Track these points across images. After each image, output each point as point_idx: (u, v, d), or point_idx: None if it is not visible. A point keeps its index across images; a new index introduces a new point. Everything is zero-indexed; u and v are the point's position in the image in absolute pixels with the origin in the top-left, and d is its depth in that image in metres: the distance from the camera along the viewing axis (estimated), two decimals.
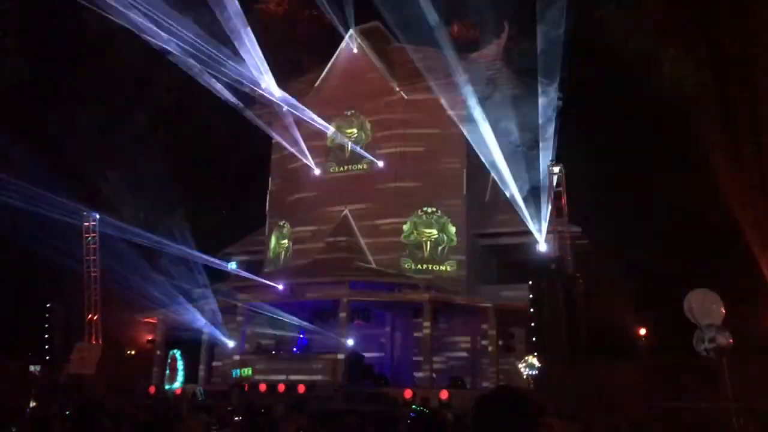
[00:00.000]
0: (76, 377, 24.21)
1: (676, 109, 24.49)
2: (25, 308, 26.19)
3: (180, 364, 22.42)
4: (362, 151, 25.56)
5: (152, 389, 22.73)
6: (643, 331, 23.32)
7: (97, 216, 25.49)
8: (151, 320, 26.14)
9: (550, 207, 22.05)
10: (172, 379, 21.94)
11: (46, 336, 24.82)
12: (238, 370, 21.65)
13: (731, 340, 14.86)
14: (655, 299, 22.86)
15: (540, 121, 22.45)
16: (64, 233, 25.50)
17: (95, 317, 25.49)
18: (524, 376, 18.80)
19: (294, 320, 22.55)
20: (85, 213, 25.27)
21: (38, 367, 24.48)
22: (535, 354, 19.49)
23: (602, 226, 24.57)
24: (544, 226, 22.48)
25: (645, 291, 22.92)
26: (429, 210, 24.81)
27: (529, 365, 18.95)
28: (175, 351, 22.63)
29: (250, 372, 21.47)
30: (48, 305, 24.98)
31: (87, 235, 25.39)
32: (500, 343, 21.74)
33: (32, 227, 23.87)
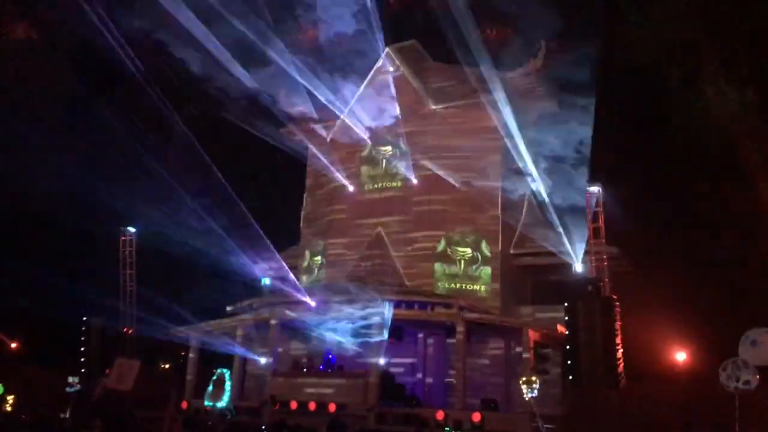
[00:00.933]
0: (112, 391, 24.46)
1: (719, 128, 24.01)
2: (63, 320, 26.64)
3: (228, 385, 22.40)
4: (399, 167, 25.52)
5: (185, 404, 22.80)
6: (682, 356, 22.68)
7: (134, 230, 25.86)
8: (185, 334, 26.30)
9: (588, 227, 21.73)
10: (218, 396, 21.89)
11: (83, 349, 25.18)
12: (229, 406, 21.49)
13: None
14: (696, 324, 22.28)
15: (578, 139, 22.19)
16: (103, 246, 25.99)
17: (131, 331, 25.77)
18: (526, 397, 18.19)
19: (326, 338, 22.46)
20: (122, 228, 25.69)
21: (77, 379, 24.80)
22: (539, 373, 18.93)
23: (643, 247, 24.08)
24: (582, 246, 22.14)
25: (685, 315, 22.34)
26: (463, 229, 24.60)
27: (527, 383, 18.37)
28: (224, 370, 22.63)
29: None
30: (84, 318, 25.37)
31: (124, 249, 25.76)
32: (534, 365, 21.29)
33: (72, 239, 24.35)
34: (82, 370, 25.07)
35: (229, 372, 22.42)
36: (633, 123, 26.28)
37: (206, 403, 21.93)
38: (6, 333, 31.04)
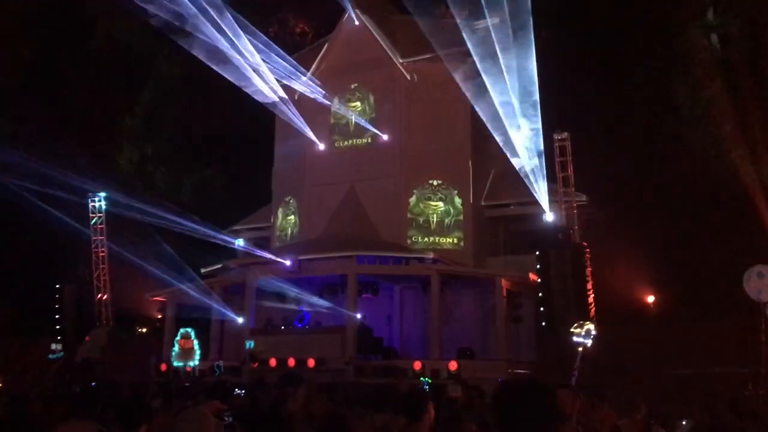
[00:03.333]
0: (88, 360, 24.47)
1: (688, 63, 24.13)
2: (39, 290, 26.40)
3: (196, 343, 22.52)
4: (366, 125, 25.39)
5: (164, 367, 22.92)
6: (651, 299, 23.28)
7: (103, 195, 25.51)
8: (160, 299, 26.27)
9: (557, 176, 21.97)
10: (188, 356, 22.03)
11: (57, 316, 25.04)
12: (251, 343, 21.77)
13: None
14: (665, 266, 22.79)
15: (545, 86, 22.20)
16: (74, 213, 25.62)
17: (105, 297, 25.65)
18: (578, 347, 18.39)
19: (302, 295, 22.61)
20: (90, 192, 25.30)
21: (59, 346, 24.74)
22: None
23: (611, 193, 24.41)
24: (551, 196, 22.39)
25: (655, 258, 22.83)
26: (435, 182, 24.69)
27: (586, 332, 18.51)
28: (188, 329, 22.68)
29: (252, 345, 21.60)
30: (57, 286, 25.16)
31: (93, 215, 25.45)
32: (508, 313, 21.73)
33: (41, 208, 23.95)
34: (58, 338, 24.96)
35: (194, 330, 22.50)
36: (599, 66, 26.33)
37: (176, 363, 22.06)
38: None
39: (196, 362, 22.41)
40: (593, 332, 18.65)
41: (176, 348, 22.21)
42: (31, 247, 26.90)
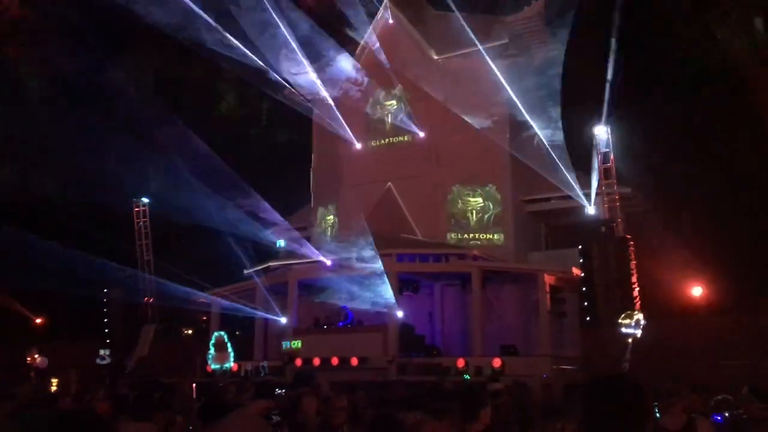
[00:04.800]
0: (142, 360, 24.95)
1: (734, 64, 23.59)
2: (84, 295, 27.02)
3: (230, 345, 22.87)
4: (404, 122, 25.36)
5: (209, 368, 23.24)
6: (699, 291, 22.76)
7: (147, 201, 25.98)
8: (204, 300, 26.65)
9: (598, 168, 21.64)
10: (223, 359, 22.37)
11: (105, 320, 25.59)
12: (288, 343, 21.99)
13: None
14: (713, 258, 22.28)
15: (585, 79, 21.91)
16: (119, 219, 26.18)
17: (151, 300, 26.12)
18: (628, 338, 18.19)
19: (343, 295, 22.69)
20: (135, 199, 25.80)
21: (107, 351, 25.29)
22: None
23: (655, 184, 23.98)
24: (593, 188, 22.07)
25: (702, 249, 22.34)
26: (473, 178, 24.55)
27: (636, 322, 18.26)
28: (221, 333, 23.07)
29: (299, 345, 21.76)
30: (105, 290, 25.70)
31: (138, 220, 25.94)
32: (552, 308, 21.48)
33: (86, 212, 24.50)
34: (107, 341, 25.52)
35: (226, 334, 22.86)
36: (643, 59, 25.85)
37: (213, 366, 22.39)
38: (30, 310, 31.60)
39: (231, 364, 22.71)
40: (642, 322, 18.35)
41: (212, 351, 22.56)
42: (77, 252, 27.54)
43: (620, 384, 2.99)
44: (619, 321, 18.24)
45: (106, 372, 24.36)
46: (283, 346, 22.09)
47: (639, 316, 18.48)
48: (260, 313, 24.17)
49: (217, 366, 22.43)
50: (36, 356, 25.86)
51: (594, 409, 2.94)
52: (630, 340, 18.09)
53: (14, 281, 27.74)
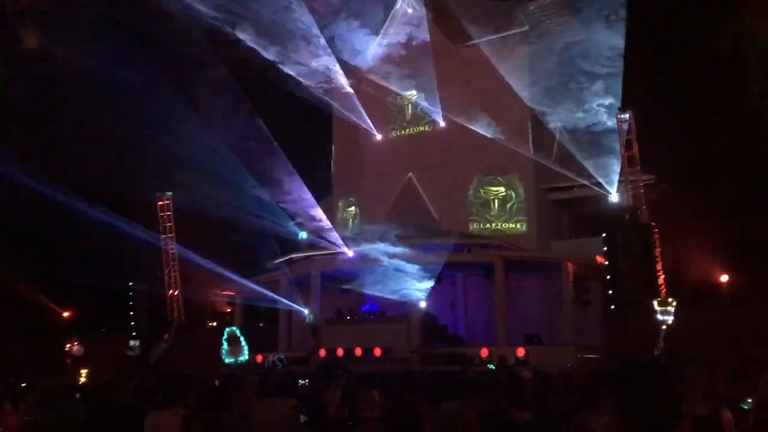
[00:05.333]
0: (168, 352, 25.27)
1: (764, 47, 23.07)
2: (111, 288, 27.34)
3: (243, 339, 23.20)
4: (425, 110, 25.25)
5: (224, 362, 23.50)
6: (725, 278, 22.46)
7: (170, 194, 26.15)
8: (229, 293, 26.87)
9: (621, 155, 21.39)
10: (237, 353, 22.72)
11: (131, 313, 25.89)
12: (311, 317, 22.31)
13: None
14: (740, 245, 21.97)
15: (608, 65, 21.64)
16: (142, 211, 26.39)
17: (176, 293, 26.35)
18: (661, 324, 18.09)
19: (366, 285, 22.73)
20: (158, 192, 25.97)
21: (137, 342, 25.64)
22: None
23: (680, 172, 23.63)
24: (617, 176, 21.84)
25: (728, 236, 22.03)
26: (495, 168, 24.40)
27: (662, 304, 18.11)
28: (232, 328, 23.43)
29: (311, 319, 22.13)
30: (130, 284, 25.97)
31: (162, 214, 26.12)
32: (575, 297, 21.33)
33: (110, 207, 24.73)
34: (133, 334, 25.82)
35: (239, 329, 23.18)
36: (666, 44, 25.43)
37: (227, 360, 22.68)
38: (57, 304, 32.08)
39: (245, 357, 22.95)
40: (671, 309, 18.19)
41: (225, 345, 22.86)
42: (102, 247, 27.83)
43: (652, 370, 2.96)
44: (654, 307, 18.06)
45: (135, 363, 24.72)
46: (307, 319, 22.36)
47: (674, 303, 18.32)
48: (284, 304, 24.32)
49: (232, 360, 22.68)
50: (75, 344, 26.39)
51: (629, 397, 2.90)
52: (664, 327, 17.88)
53: (42, 275, 28.22)
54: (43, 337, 29.59)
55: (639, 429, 2.86)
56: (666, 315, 17.93)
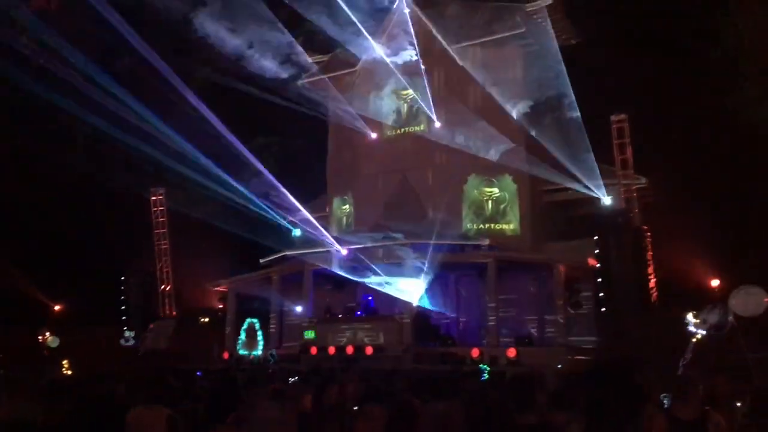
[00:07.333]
0: (153, 350, 25.25)
1: (755, 52, 23.17)
2: (103, 281, 27.30)
3: (260, 333, 23.24)
4: (420, 110, 25.30)
5: (226, 355, 23.47)
6: (715, 282, 22.58)
7: (163, 189, 26.15)
8: (222, 289, 26.86)
9: (615, 159, 21.54)
10: (252, 346, 22.76)
11: (123, 308, 25.87)
12: (309, 332, 22.24)
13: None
14: (732, 248, 22.06)
15: (602, 68, 21.74)
16: (135, 205, 26.34)
17: (168, 288, 26.37)
18: (692, 337, 17.26)
19: (359, 283, 22.79)
20: (152, 188, 25.97)
21: (132, 333, 25.62)
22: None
23: (673, 175, 23.72)
24: (610, 179, 21.96)
25: (720, 240, 22.13)
26: (489, 168, 24.47)
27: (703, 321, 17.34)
28: (254, 320, 23.41)
29: (313, 335, 21.97)
30: (123, 278, 25.96)
31: (155, 209, 26.13)
32: (567, 299, 21.44)
33: (103, 200, 24.68)
34: (124, 328, 25.82)
35: (258, 321, 23.17)
36: (658, 47, 25.53)
37: (241, 352, 22.71)
38: (48, 296, 31.95)
39: (260, 351, 22.97)
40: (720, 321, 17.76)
41: (242, 337, 22.87)
42: (94, 239, 27.76)
43: (617, 369, 3.06)
44: (689, 317, 17.51)
45: (128, 354, 24.72)
46: (304, 335, 22.34)
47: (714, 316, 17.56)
48: (276, 302, 24.34)
49: (246, 352, 22.77)
50: (47, 335, 26.21)
51: (595, 396, 2.99)
52: (694, 339, 17.19)
53: (33, 267, 28.10)
54: (20, 328, 29.36)
55: (605, 424, 2.95)
56: (700, 328, 17.45)
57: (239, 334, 23.27)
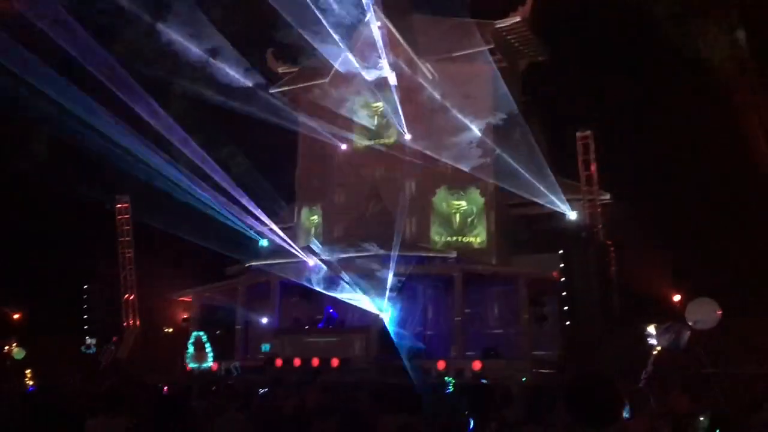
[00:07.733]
0: (118, 360, 24.82)
1: (715, 73, 23.69)
2: (65, 290, 26.78)
3: (208, 346, 23.02)
4: (390, 123, 25.39)
5: (188, 367, 23.17)
6: (677, 298, 22.96)
7: (128, 197, 25.83)
8: (186, 299, 26.54)
9: (580, 174, 21.84)
10: (202, 358, 22.55)
11: (86, 317, 25.41)
12: (266, 346, 22.15)
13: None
14: (697, 264, 22.44)
15: (568, 85, 22.07)
16: (98, 212, 25.92)
17: (132, 297, 25.98)
18: (652, 349, 17.20)
19: (325, 295, 22.70)
20: (117, 195, 25.63)
21: (94, 340, 25.15)
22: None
23: (637, 191, 24.11)
24: (575, 194, 22.24)
25: (685, 256, 22.51)
26: (458, 182, 24.62)
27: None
28: (200, 333, 23.24)
29: (269, 348, 21.98)
30: (85, 287, 25.52)
31: (120, 217, 25.78)
32: (532, 312, 21.62)
33: (65, 207, 24.26)
34: (86, 336, 25.36)
35: (206, 334, 23.05)
36: (623, 66, 26.01)
37: (191, 365, 22.51)
38: (8, 306, 31.22)
39: (210, 363, 22.78)
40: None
41: (191, 350, 22.69)
42: (54, 247, 27.26)
43: (598, 384, 3.13)
44: (650, 329, 17.53)
45: (90, 363, 24.23)
46: (263, 348, 22.19)
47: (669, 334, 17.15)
48: (241, 313, 24.11)
49: (196, 365, 22.47)
50: (13, 346, 25.63)
51: (577, 410, 3.09)
52: (654, 352, 16.99)
53: None
54: None
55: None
56: (659, 339, 17.59)
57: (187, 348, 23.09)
